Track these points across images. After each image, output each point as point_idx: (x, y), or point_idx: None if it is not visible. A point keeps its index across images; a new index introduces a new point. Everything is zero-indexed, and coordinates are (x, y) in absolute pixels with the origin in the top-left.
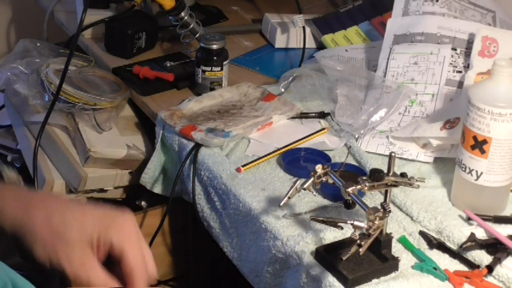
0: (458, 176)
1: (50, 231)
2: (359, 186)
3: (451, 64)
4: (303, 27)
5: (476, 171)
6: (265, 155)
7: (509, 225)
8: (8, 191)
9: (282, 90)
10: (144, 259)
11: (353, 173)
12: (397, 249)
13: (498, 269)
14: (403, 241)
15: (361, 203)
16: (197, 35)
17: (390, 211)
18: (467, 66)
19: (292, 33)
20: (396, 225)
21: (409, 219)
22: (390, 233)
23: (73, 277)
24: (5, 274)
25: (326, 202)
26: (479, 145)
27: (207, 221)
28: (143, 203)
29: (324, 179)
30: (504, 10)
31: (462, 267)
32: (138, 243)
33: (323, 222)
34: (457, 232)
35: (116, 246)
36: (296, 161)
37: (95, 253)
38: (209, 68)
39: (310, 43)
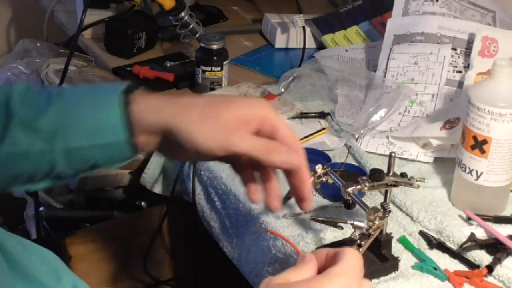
0: (458, 176)
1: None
2: (359, 186)
3: (451, 64)
4: (303, 27)
5: (476, 171)
6: None
7: (509, 225)
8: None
9: (282, 90)
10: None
11: (353, 173)
12: (397, 249)
13: (498, 269)
14: (403, 241)
15: (361, 203)
16: (197, 35)
17: (390, 211)
18: (467, 66)
19: (292, 33)
20: (396, 225)
21: (409, 219)
22: (390, 233)
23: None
24: (72, 277)
25: (326, 202)
26: (479, 145)
27: (207, 221)
28: (143, 203)
29: (324, 179)
30: (504, 10)
31: (462, 267)
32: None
33: (323, 222)
34: (457, 232)
35: (268, 119)
36: None
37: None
38: (209, 68)
39: (310, 43)
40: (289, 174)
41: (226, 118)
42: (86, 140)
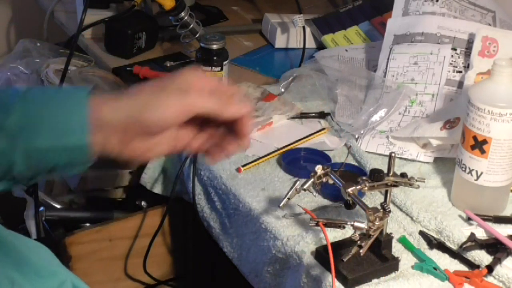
0: (458, 176)
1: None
2: (359, 186)
3: (451, 64)
4: (303, 27)
5: (476, 171)
6: (265, 155)
7: (509, 225)
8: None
9: (282, 90)
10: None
11: (353, 173)
12: (397, 249)
13: (498, 269)
14: (403, 241)
15: (361, 203)
16: (197, 35)
17: (390, 211)
18: (467, 66)
19: (292, 33)
20: (396, 225)
21: (409, 219)
22: (390, 233)
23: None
24: (65, 272)
25: (326, 202)
26: (479, 145)
27: (207, 221)
28: (143, 203)
29: (324, 179)
30: (504, 10)
31: (462, 267)
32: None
33: (324, 225)
34: (457, 232)
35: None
36: (296, 161)
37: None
38: (209, 68)
39: (310, 43)
40: (234, 121)
41: (178, 87)
42: (49, 141)
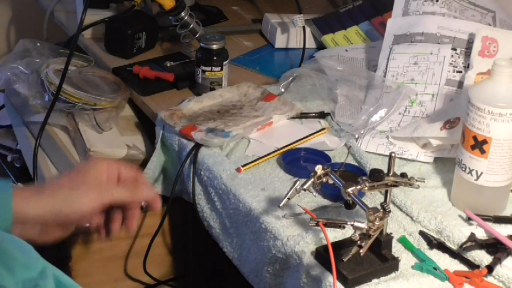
0: (458, 176)
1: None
2: (359, 187)
3: (451, 64)
4: (303, 27)
5: (476, 171)
6: (265, 155)
7: (509, 225)
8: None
9: (282, 90)
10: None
11: (353, 173)
12: (397, 249)
13: (498, 269)
14: (403, 241)
15: (361, 203)
16: (197, 35)
17: (390, 212)
18: (467, 66)
19: (292, 33)
20: (396, 225)
21: (409, 219)
22: (390, 233)
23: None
24: (45, 262)
25: (326, 202)
26: (479, 145)
27: (207, 221)
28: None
29: (324, 179)
30: (504, 10)
31: (462, 267)
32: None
33: (324, 225)
34: (457, 232)
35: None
36: (296, 161)
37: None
38: (209, 68)
39: (310, 43)
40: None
41: (93, 181)
42: None
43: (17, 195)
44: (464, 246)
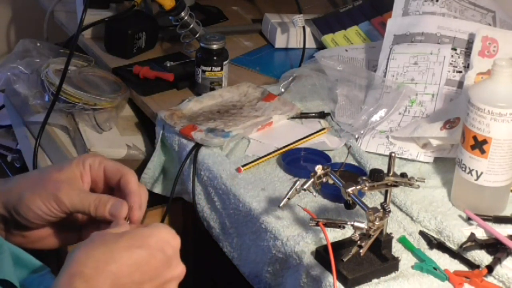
0: (458, 176)
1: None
2: (359, 187)
3: (451, 64)
4: (303, 27)
5: (476, 171)
6: (265, 155)
7: (509, 225)
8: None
9: (282, 90)
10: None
11: (353, 173)
12: (397, 249)
13: (498, 269)
14: (403, 241)
15: (361, 203)
16: (197, 35)
17: (390, 212)
18: (467, 66)
19: (292, 33)
20: (396, 225)
21: (409, 219)
22: (390, 233)
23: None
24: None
25: (326, 202)
26: (479, 145)
27: (207, 221)
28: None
29: (324, 179)
30: (504, 10)
31: (462, 267)
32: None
33: (324, 225)
34: (457, 232)
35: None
36: (296, 161)
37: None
38: (209, 68)
39: (310, 43)
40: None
41: (50, 182)
42: None
43: None
44: (464, 246)
